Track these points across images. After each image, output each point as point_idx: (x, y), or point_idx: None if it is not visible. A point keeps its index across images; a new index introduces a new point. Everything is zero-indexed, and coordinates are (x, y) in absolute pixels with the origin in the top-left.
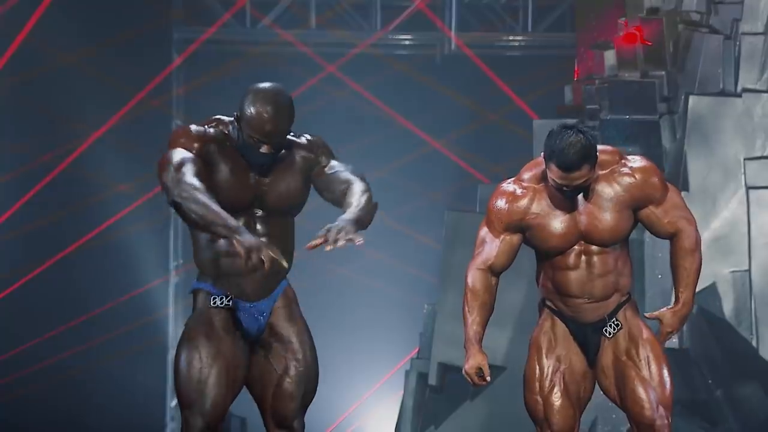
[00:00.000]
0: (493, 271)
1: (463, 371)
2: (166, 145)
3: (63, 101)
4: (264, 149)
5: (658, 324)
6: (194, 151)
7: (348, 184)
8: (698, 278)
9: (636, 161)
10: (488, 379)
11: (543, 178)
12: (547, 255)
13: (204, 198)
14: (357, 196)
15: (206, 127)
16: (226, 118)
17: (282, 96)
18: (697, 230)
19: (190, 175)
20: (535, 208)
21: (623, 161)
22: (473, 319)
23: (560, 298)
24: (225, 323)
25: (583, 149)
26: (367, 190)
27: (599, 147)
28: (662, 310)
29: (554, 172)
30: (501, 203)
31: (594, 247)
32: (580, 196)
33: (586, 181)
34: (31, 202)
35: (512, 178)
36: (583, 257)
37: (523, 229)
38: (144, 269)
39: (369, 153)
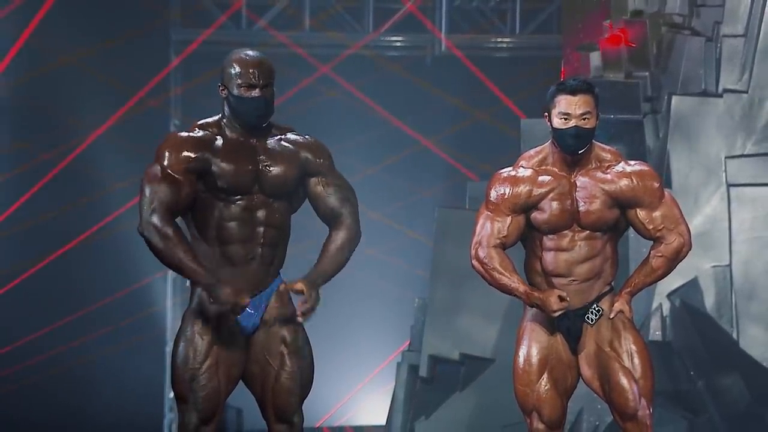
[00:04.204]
0: (504, 247)
1: (551, 312)
2: (155, 153)
3: (63, 101)
4: (255, 93)
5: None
6: (180, 174)
7: (335, 217)
8: (654, 282)
9: (636, 164)
10: (569, 299)
11: (541, 162)
12: (541, 236)
13: (170, 249)
14: (334, 248)
15: (196, 130)
16: (210, 118)
17: (257, 50)
18: (686, 246)
19: (160, 214)
20: (536, 188)
21: (623, 162)
22: (517, 280)
23: (546, 280)
24: (220, 319)
25: (587, 81)
26: (350, 235)
27: (600, 144)
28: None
29: (561, 102)
30: (504, 187)
31: (586, 232)
32: (579, 182)
33: (590, 118)
34: (33, 198)
35: (509, 167)
36: (576, 240)
37: (527, 209)
38: (143, 264)
39: (362, 151)
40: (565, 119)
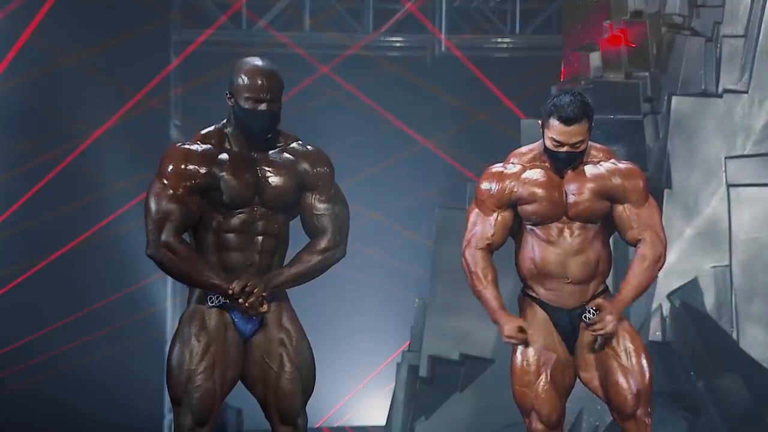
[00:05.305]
0: (491, 249)
1: (504, 338)
2: (158, 168)
3: (64, 101)
4: (263, 107)
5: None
6: (186, 193)
7: (318, 234)
8: (643, 291)
9: (625, 163)
10: (528, 334)
11: (532, 159)
12: (531, 228)
13: (186, 268)
14: (307, 256)
15: (198, 144)
16: (213, 127)
17: (267, 60)
18: (664, 251)
19: (169, 235)
20: (522, 182)
21: (613, 159)
22: (491, 294)
23: (540, 280)
24: (218, 322)
25: (583, 104)
26: (328, 245)
27: (593, 143)
28: (601, 301)
29: (554, 128)
30: (491, 183)
31: (576, 223)
32: (568, 176)
33: (582, 144)
34: (33, 199)
35: (499, 163)
36: (565, 232)
37: (514, 203)
38: (143, 265)
39: (362, 152)
40: (557, 145)
